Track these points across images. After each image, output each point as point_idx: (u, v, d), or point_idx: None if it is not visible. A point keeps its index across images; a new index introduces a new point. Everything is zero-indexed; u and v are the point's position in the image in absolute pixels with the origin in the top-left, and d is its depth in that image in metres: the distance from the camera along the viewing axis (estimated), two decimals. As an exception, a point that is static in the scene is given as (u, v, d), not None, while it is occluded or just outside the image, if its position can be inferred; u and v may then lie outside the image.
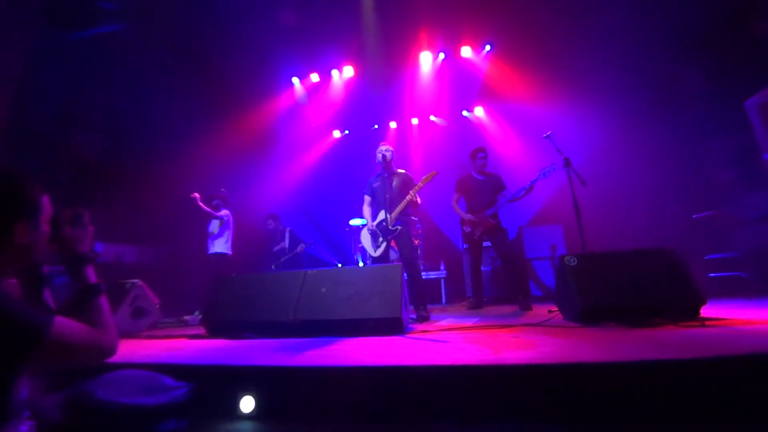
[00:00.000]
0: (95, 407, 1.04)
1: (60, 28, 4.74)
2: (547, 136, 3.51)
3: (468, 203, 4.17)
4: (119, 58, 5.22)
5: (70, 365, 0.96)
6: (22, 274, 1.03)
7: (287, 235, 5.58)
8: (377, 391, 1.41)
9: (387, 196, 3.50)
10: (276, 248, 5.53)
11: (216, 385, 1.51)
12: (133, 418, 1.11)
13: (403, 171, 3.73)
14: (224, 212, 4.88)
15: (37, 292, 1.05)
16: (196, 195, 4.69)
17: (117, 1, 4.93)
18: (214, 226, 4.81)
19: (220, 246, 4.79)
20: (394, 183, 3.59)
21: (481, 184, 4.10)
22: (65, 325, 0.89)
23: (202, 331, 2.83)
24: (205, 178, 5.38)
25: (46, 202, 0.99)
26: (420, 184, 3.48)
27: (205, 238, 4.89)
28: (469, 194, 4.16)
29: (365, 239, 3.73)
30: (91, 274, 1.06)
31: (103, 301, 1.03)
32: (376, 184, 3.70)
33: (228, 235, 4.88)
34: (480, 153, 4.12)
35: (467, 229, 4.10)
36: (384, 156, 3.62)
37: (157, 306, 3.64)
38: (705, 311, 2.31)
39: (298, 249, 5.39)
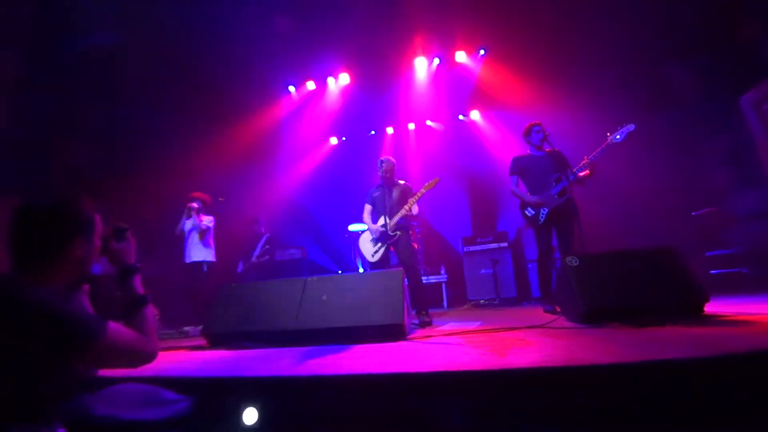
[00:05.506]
0: (94, 423, 1.01)
1: (55, 39, 4.75)
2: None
3: (528, 185, 3.62)
4: (113, 66, 5.23)
5: (115, 367, 1.04)
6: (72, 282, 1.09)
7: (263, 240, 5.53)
8: (382, 399, 1.39)
9: (387, 205, 3.54)
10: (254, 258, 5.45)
11: (218, 397, 1.48)
12: (134, 433, 1.09)
13: (403, 182, 3.79)
14: (209, 218, 4.82)
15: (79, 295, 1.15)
16: (194, 205, 4.64)
17: (112, 10, 4.95)
18: (202, 233, 4.66)
19: (209, 253, 4.69)
20: (395, 193, 3.64)
21: (541, 160, 3.56)
22: (118, 330, 0.98)
23: (203, 342, 2.80)
24: (202, 186, 5.34)
25: (98, 220, 1.10)
26: (422, 190, 3.52)
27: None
28: (528, 174, 3.60)
29: (364, 244, 3.74)
30: (139, 285, 1.15)
31: (149, 311, 1.11)
32: (376, 194, 3.76)
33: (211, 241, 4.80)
34: (536, 127, 3.58)
35: (529, 212, 3.54)
36: (385, 169, 3.68)
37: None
38: (708, 309, 2.31)
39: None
